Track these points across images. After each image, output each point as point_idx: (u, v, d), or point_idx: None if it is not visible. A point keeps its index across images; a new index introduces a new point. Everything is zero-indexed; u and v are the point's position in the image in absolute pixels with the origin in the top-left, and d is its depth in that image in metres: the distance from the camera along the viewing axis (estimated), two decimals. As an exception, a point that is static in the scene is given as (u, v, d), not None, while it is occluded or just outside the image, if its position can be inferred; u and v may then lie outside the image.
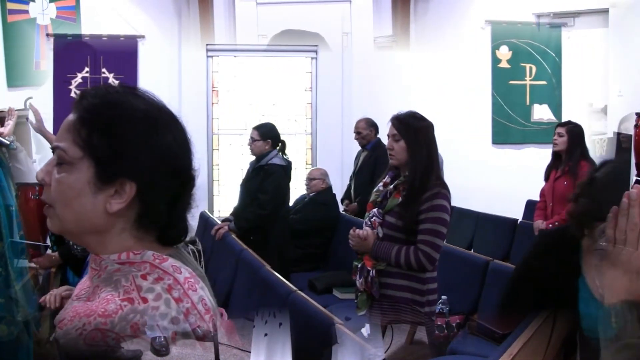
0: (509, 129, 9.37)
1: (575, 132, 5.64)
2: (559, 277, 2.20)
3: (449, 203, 3.45)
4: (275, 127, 5.81)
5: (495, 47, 9.43)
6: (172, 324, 1.26)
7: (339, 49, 9.53)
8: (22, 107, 7.05)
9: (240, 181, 6.05)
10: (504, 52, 9.44)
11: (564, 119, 8.03)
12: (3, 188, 3.62)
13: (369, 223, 3.54)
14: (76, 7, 8.12)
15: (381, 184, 3.64)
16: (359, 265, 3.54)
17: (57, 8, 8.07)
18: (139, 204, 1.29)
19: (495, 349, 2.05)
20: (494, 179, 8.78)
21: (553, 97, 9.43)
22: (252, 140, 5.69)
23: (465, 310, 4.62)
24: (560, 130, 5.71)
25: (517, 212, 7.28)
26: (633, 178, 4.62)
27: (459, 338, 3.64)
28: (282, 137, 5.85)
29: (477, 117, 9.29)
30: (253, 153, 5.73)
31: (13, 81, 7.92)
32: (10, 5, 7.87)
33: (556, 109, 9.39)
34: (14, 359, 3.57)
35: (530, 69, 9.47)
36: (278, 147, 5.74)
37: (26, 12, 7.95)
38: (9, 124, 3.97)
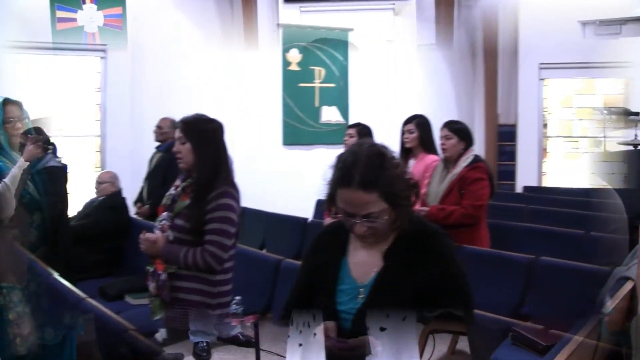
0: (299, 130, 9.62)
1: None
2: (328, 256, 2.34)
3: (237, 203, 3.48)
4: (41, 130, 5.57)
5: (285, 50, 9.62)
6: None
7: (382, 55, 9.91)
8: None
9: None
10: (295, 55, 9.66)
11: (352, 120, 8.34)
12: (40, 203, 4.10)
13: (160, 227, 3.50)
14: (123, 15, 8.26)
15: (173, 187, 3.62)
16: (151, 270, 3.49)
17: (105, 16, 8.22)
18: None
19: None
20: (285, 179, 8.98)
21: (341, 99, 9.78)
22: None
23: (259, 310, 4.69)
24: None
25: (308, 212, 7.47)
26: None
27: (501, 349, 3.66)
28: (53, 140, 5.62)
29: (268, 119, 9.45)
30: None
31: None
32: (60, 14, 7.96)
33: (344, 110, 9.74)
34: None
35: (320, 72, 9.75)
36: (50, 150, 5.51)
37: (74, 20, 8.07)
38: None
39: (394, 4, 9.95)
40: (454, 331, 4.54)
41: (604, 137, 7.98)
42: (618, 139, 7.96)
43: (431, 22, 10.10)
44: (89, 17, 8.16)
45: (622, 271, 3.10)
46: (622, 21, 8.88)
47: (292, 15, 9.85)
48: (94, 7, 8.16)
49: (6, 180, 3.95)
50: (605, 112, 8.28)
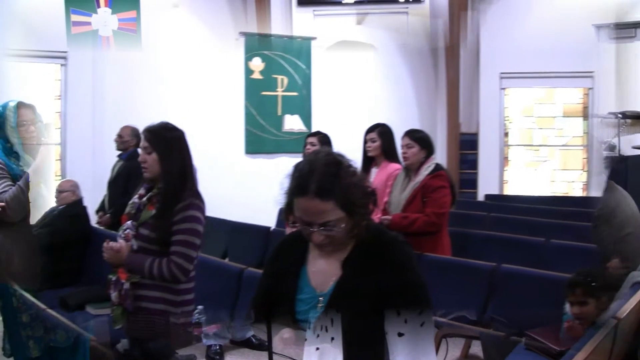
0: (262, 138, 9.62)
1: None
2: (288, 265, 2.33)
3: (203, 214, 3.46)
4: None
5: (248, 59, 9.62)
6: None
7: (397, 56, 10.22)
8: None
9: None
10: (257, 64, 9.67)
11: (314, 129, 8.37)
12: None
13: (123, 236, 3.46)
14: (137, 19, 8.24)
15: (137, 196, 3.58)
16: (114, 279, 3.46)
17: (119, 20, 8.22)
18: None
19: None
20: (247, 188, 8.95)
21: (304, 107, 9.79)
22: None
23: (222, 319, 4.67)
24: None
25: (270, 220, 7.46)
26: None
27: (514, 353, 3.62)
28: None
29: (230, 127, 9.43)
30: None
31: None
32: (74, 17, 7.95)
33: (306, 119, 9.76)
34: None
35: (282, 80, 9.77)
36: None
37: (89, 24, 8.07)
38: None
39: (407, 7, 10.02)
40: (467, 335, 4.55)
41: (619, 141, 8.07)
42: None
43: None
44: (104, 20, 8.17)
45: (637, 276, 3.13)
46: (637, 24, 8.96)
47: (306, 19, 9.89)
48: (109, 10, 8.17)
49: (20, 183, 4.00)
50: (620, 116, 8.36)
